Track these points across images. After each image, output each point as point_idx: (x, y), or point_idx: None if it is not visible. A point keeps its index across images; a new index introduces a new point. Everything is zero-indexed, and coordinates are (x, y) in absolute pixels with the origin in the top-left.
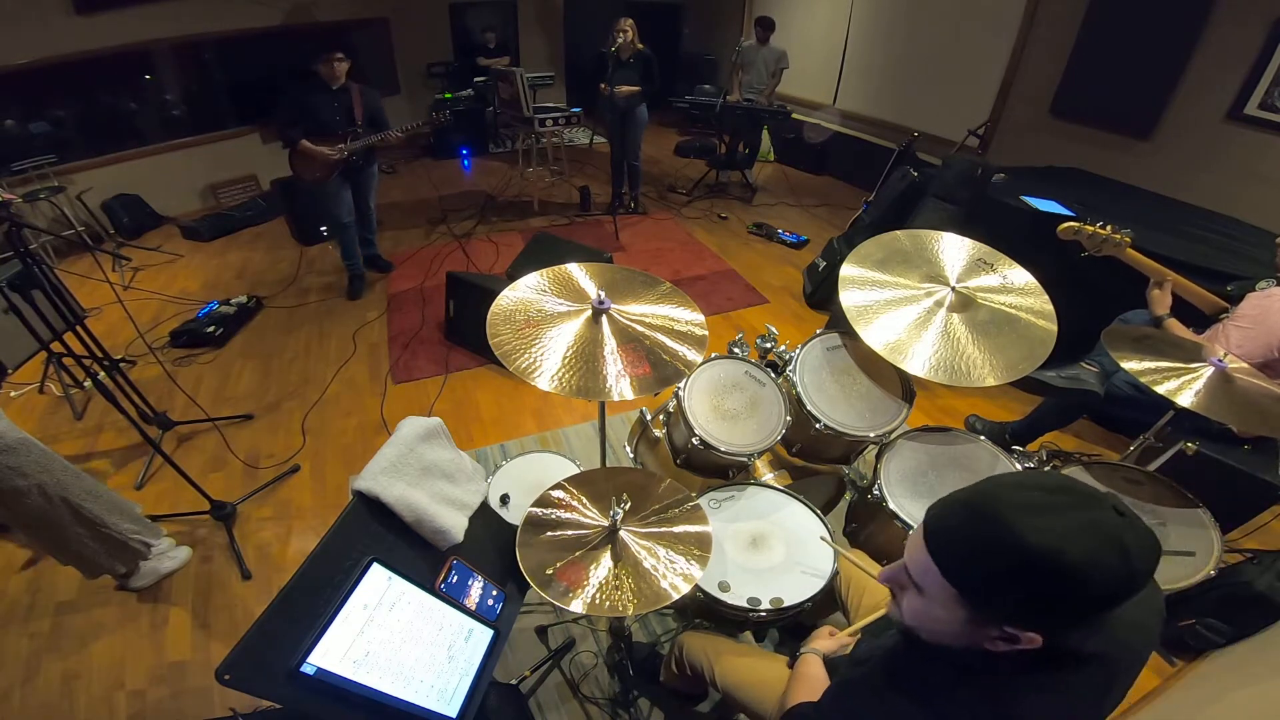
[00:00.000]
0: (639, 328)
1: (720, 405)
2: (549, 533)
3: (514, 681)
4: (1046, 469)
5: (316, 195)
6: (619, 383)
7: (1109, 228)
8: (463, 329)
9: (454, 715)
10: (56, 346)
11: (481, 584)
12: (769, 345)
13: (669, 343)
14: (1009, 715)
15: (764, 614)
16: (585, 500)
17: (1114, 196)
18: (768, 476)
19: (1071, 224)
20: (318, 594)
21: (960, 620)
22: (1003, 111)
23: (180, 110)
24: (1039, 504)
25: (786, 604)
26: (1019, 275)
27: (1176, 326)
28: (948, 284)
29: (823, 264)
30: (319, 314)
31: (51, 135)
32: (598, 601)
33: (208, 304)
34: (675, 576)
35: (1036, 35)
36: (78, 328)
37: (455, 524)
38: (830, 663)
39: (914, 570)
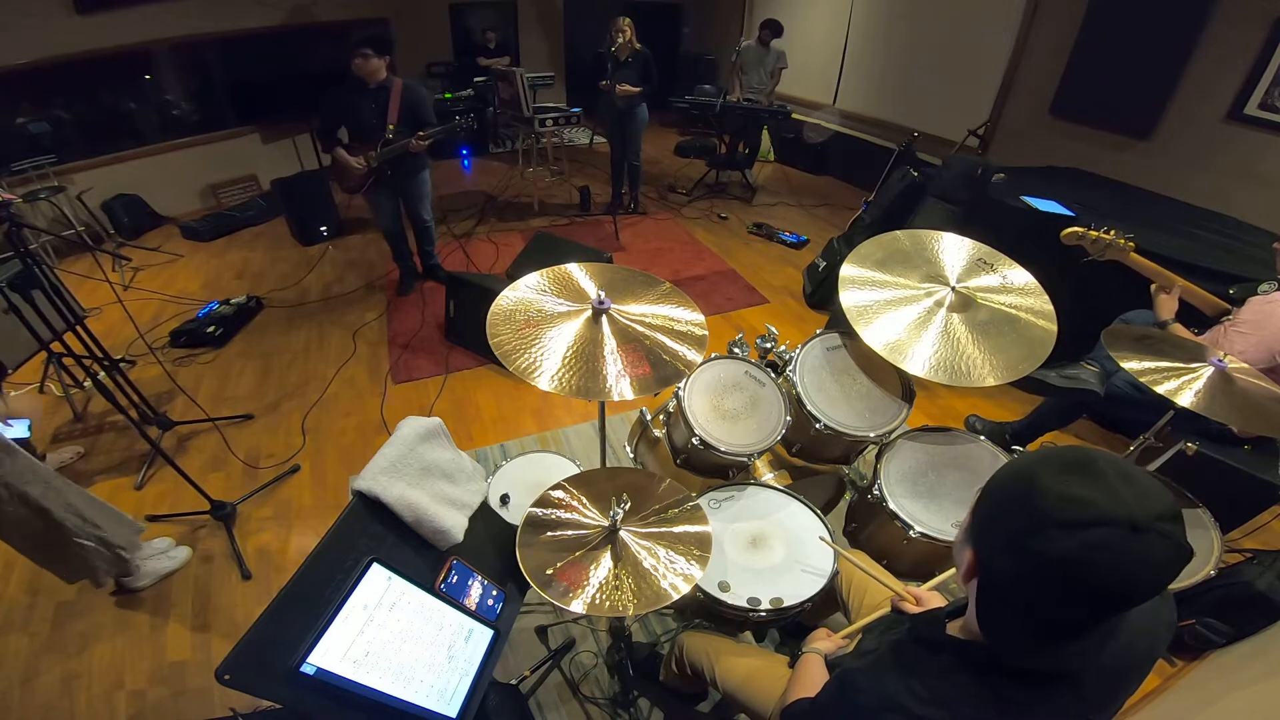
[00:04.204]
0: (639, 328)
1: (720, 405)
2: (549, 533)
3: (514, 681)
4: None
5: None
6: (619, 383)
7: (1112, 232)
8: (463, 329)
9: (454, 715)
10: (56, 346)
11: (481, 584)
12: (769, 345)
13: (669, 343)
14: (1009, 715)
15: (764, 614)
16: (585, 500)
17: (1113, 196)
18: (768, 476)
19: (1075, 229)
20: (318, 594)
21: (962, 531)
22: (1003, 111)
23: (180, 110)
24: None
25: (786, 604)
26: (1019, 275)
27: (1181, 331)
28: (948, 284)
29: (823, 264)
30: (319, 314)
31: (51, 135)
32: (598, 601)
33: (208, 304)
34: (675, 576)
35: (1036, 35)
36: (78, 328)
37: (455, 524)
38: (831, 663)
39: None
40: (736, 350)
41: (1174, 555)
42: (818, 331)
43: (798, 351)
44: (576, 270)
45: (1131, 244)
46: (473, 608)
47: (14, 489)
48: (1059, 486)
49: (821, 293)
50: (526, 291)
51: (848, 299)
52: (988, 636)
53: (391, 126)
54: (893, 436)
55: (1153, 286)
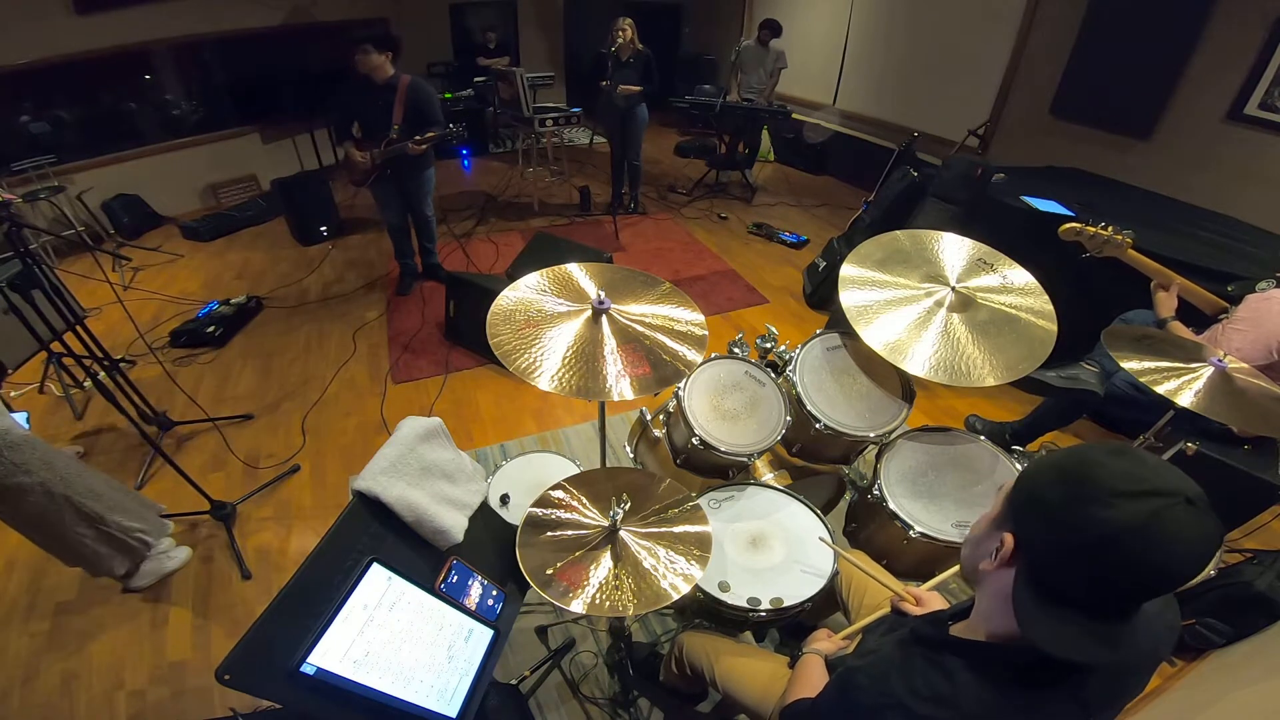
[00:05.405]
0: (639, 328)
1: (720, 405)
2: (549, 533)
3: (514, 681)
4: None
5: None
6: (619, 383)
7: (1110, 229)
8: (463, 329)
9: (454, 715)
10: (56, 346)
11: (481, 584)
12: (769, 345)
13: (669, 343)
14: (1010, 715)
15: (764, 614)
16: (585, 500)
17: (1114, 196)
18: (768, 476)
19: (1073, 225)
20: (318, 594)
21: (987, 521)
22: (1003, 111)
23: (180, 110)
24: (1137, 472)
25: (786, 604)
26: (1019, 275)
27: (1180, 329)
28: (948, 284)
29: (823, 264)
30: (319, 314)
31: (51, 135)
32: (598, 601)
33: (208, 304)
34: (675, 576)
35: (1036, 35)
36: (78, 328)
37: (455, 524)
38: (831, 664)
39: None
40: (736, 350)
41: (1217, 533)
42: (818, 331)
43: (798, 351)
44: (576, 270)
45: (1129, 240)
46: (473, 608)
47: (35, 475)
48: (1114, 463)
49: (821, 293)
50: (526, 291)
51: (848, 299)
52: (1024, 625)
53: (396, 126)
54: (893, 436)
55: (1152, 284)
